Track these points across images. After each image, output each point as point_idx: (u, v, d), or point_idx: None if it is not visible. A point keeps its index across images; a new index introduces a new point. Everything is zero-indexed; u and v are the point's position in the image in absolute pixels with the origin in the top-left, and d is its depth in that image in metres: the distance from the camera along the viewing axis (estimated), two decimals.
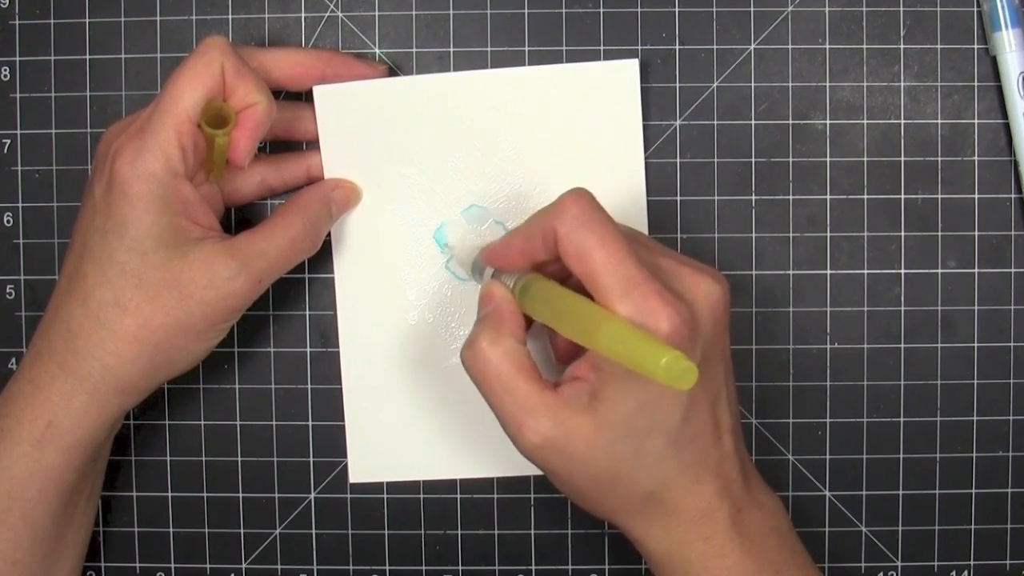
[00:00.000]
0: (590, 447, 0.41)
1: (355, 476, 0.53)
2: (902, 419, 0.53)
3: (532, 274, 0.44)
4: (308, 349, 0.54)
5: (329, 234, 0.52)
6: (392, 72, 0.52)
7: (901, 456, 0.53)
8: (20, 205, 0.53)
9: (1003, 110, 0.52)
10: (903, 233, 0.53)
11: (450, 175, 0.52)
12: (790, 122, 0.53)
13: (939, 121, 0.53)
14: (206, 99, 0.44)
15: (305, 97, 0.51)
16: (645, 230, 0.52)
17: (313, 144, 0.52)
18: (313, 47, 0.52)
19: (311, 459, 0.54)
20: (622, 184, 0.52)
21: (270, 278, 0.47)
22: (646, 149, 0.52)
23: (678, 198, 0.53)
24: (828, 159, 0.53)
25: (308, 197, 0.49)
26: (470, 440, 0.53)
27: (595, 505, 0.44)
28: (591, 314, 0.40)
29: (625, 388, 0.41)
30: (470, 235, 0.52)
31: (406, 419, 0.53)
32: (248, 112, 0.46)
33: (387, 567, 0.54)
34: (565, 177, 0.51)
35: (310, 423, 0.54)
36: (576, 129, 0.51)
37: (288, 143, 0.52)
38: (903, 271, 0.53)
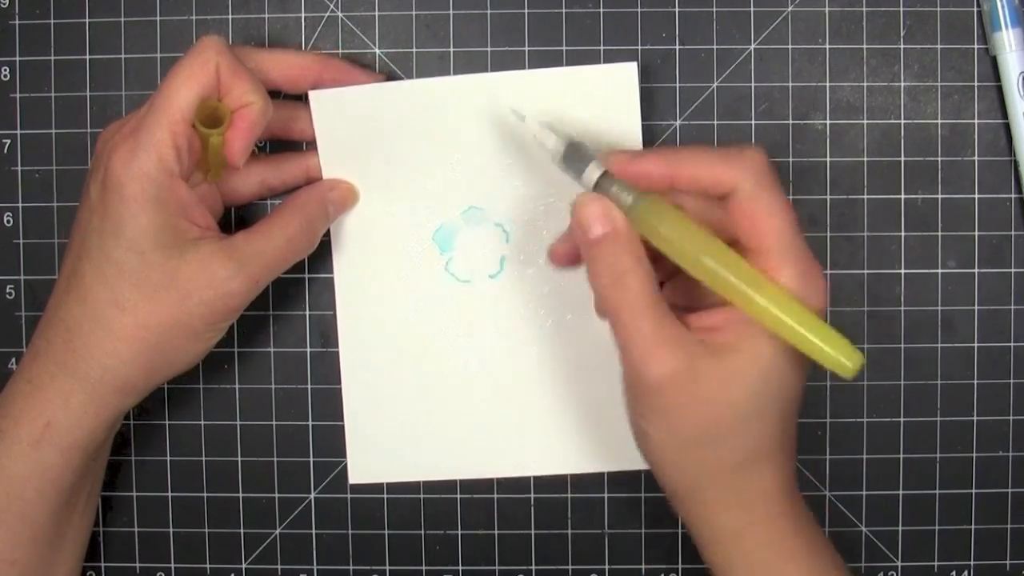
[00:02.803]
0: (719, 390, 0.41)
1: (355, 476, 0.53)
2: (902, 419, 0.53)
3: (660, 199, 0.43)
4: (308, 349, 0.54)
5: (329, 234, 0.52)
6: (390, 79, 0.52)
7: (901, 456, 0.53)
8: (20, 205, 0.53)
9: (1003, 110, 0.52)
10: (903, 233, 0.52)
11: (449, 177, 0.52)
12: (790, 122, 0.53)
13: (939, 121, 0.52)
14: (201, 98, 0.44)
15: (303, 99, 0.51)
16: None
17: (312, 145, 0.52)
18: (312, 49, 0.52)
19: (311, 459, 0.54)
20: None
21: (268, 278, 0.47)
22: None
23: None
24: (828, 159, 0.52)
25: (305, 197, 0.49)
26: (470, 440, 0.53)
27: (679, 463, 0.43)
28: (750, 275, 0.41)
29: (764, 348, 0.41)
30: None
31: (406, 419, 0.53)
32: (243, 112, 0.46)
33: (387, 567, 0.54)
34: (564, 178, 0.51)
35: (310, 423, 0.54)
36: (575, 132, 0.51)
37: (287, 143, 0.52)
38: (903, 271, 0.53)
